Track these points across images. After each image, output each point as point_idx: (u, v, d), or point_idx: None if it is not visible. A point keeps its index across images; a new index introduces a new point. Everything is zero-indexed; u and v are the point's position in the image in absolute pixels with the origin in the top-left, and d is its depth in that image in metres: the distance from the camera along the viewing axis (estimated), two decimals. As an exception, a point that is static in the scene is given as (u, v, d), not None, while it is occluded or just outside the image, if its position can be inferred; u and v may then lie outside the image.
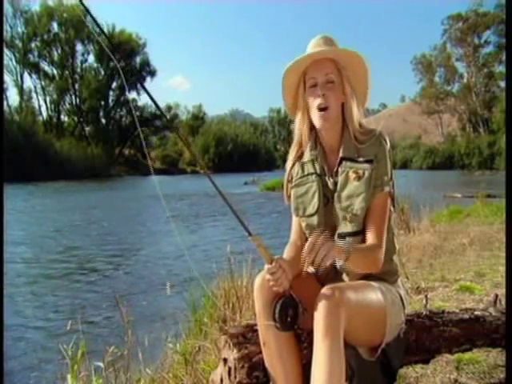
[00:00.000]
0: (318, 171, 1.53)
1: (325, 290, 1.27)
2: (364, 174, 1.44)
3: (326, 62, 1.47)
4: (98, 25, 1.35)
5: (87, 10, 1.29)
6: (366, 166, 1.44)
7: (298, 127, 1.56)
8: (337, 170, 1.49)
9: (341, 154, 1.49)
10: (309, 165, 1.55)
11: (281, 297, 1.33)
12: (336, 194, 1.48)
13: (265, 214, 12.33)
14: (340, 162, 1.49)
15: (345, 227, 1.47)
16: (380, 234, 1.43)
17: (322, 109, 1.45)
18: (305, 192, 1.54)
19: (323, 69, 1.46)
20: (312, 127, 1.54)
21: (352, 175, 1.45)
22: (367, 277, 1.44)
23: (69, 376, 1.93)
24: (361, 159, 1.45)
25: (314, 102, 1.47)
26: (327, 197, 1.51)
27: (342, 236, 1.47)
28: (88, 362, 2.10)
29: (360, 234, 1.45)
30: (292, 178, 1.59)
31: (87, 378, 2.04)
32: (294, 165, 1.59)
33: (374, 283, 1.42)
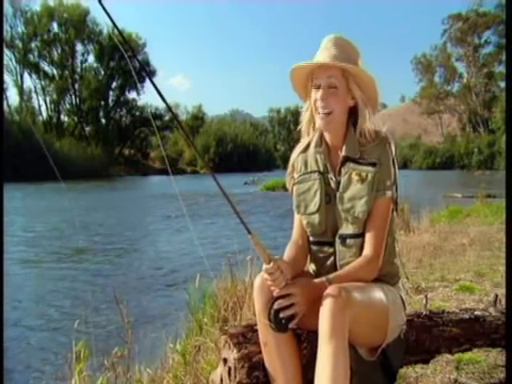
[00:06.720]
0: (321, 169, 1.53)
1: (331, 289, 1.26)
2: (367, 176, 1.43)
3: (331, 66, 1.43)
4: (115, 26, 1.35)
5: (106, 11, 1.28)
6: (370, 168, 1.43)
7: (305, 117, 1.55)
8: (340, 170, 1.49)
9: (343, 153, 1.48)
10: (312, 162, 1.55)
11: (277, 297, 1.33)
12: (338, 195, 1.47)
13: (264, 214, 12.33)
14: (343, 162, 1.48)
15: (346, 229, 1.47)
16: (378, 243, 1.41)
17: (324, 113, 1.45)
18: (307, 189, 1.54)
19: (326, 72, 1.43)
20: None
21: (355, 177, 1.45)
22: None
23: (74, 375, 1.93)
24: (364, 161, 1.44)
25: (317, 104, 1.46)
26: (329, 195, 1.50)
27: (344, 238, 1.47)
28: (88, 361, 2.10)
29: (361, 236, 1.44)
30: (294, 170, 1.59)
31: (88, 377, 2.04)
32: (299, 155, 1.59)
33: (376, 284, 1.42)
